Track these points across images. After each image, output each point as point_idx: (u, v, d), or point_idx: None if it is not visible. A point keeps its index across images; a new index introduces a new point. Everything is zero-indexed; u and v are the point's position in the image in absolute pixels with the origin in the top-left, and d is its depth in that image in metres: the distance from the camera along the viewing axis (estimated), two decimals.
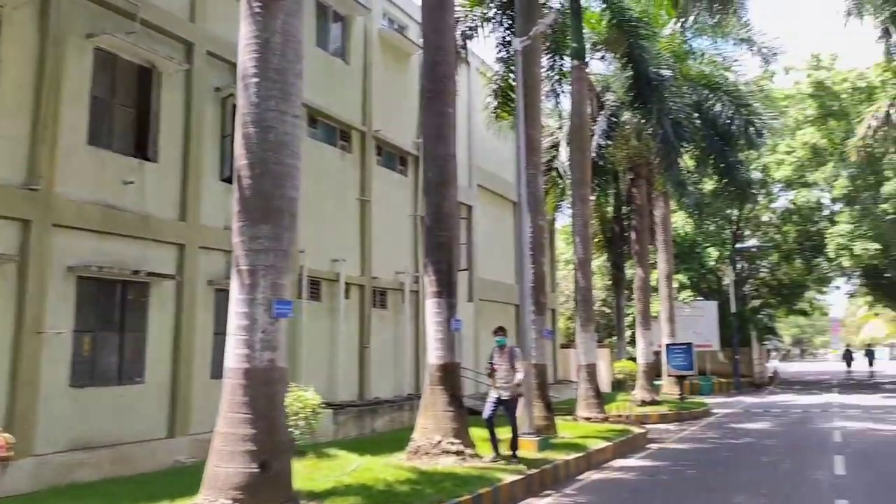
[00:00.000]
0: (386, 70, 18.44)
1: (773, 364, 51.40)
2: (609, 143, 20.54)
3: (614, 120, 20.67)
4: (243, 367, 7.00)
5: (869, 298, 41.36)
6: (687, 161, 25.96)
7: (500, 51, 18.09)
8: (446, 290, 10.94)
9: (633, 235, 22.22)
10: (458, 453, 10.16)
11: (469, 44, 18.50)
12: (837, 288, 43.10)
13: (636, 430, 15.76)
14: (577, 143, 17.33)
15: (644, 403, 21.17)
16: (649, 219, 23.67)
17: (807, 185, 30.48)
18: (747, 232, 41.39)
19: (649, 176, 21.96)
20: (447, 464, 10.04)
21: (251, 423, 6.91)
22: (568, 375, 29.51)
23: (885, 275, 32.57)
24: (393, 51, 18.72)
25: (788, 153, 30.25)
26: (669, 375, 24.35)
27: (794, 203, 32.43)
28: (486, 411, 10.80)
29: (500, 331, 11.10)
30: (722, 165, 21.60)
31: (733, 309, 34.80)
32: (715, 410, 23.54)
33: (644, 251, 22.22)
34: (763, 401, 28.48)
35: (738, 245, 38.36)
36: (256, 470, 6.79)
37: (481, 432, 13.56)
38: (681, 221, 31.64)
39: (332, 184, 16.13)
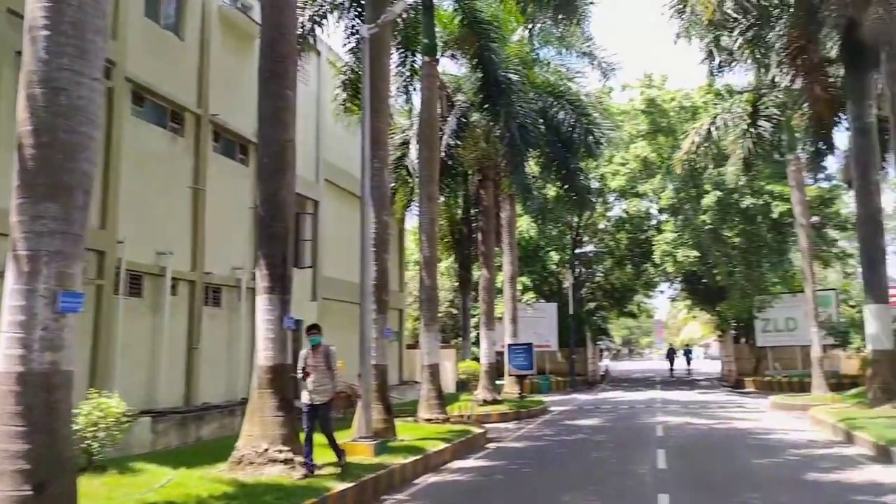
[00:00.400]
0: (227, 51, 17.12)
1: (605, 363, 54.67)
2: (458, 143, 20.51)
3: (464, 121, 20.67)
4: (17, 371, 5.84)
5: (688, 302, 44.98)
6: (532, 167, 26.66)
7: (349, 40, 17.43)
8: (279, 286, 10.11)
9: (479, 237, 22.38)
10: (286, 462, 9.36)
11: (319, 32, 17.63)
12: (662, 292, 46.72)
13: (476, 429, 15.68)
14: (425, 141, 17.03)
15: (486, 403, 21.31)
16: (496, 221, 23.98)
17: (638, 195, 32.49)
18: (586, 238, 43.55)
19: (496, 178, 22.22)
20: (273, 474, 9.21)
21: (25, 438, 5.78)
22: (414, 376, 29.29)
23: (703, 280, 35.45)
24: (235, 31, 17.44)
25: (623, 164, 32.09)
26: (510, 375, 24.80)
27: (627, 212, 34.50)
28: (304, 422, 9.86)
29: (314, 329, 10.14)
30: (564, 172, 22.30)
31: (571, 311, 36.34)
32: (552, 408, 24.26)
33: (490, 252, 22.44)
34: (595, 398, 29.90)
35: (577, 250, 40.21)
36: (30, 492, 5.68)
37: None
38: (525, 225, 32.57)
39: (159, 168, 14.64)
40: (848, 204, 31.67)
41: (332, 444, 9.89)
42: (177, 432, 13.78)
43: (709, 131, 23.75)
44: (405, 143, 21.43)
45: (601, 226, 40.93)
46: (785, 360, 34.79)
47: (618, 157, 32.90)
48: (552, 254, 33.45)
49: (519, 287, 33.50)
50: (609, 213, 41.50)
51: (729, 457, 12.80)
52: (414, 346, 30.71)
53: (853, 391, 21.69)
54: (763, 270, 31.16)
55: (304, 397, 9.91)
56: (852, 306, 32.96)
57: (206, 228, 15.85)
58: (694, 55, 74.64)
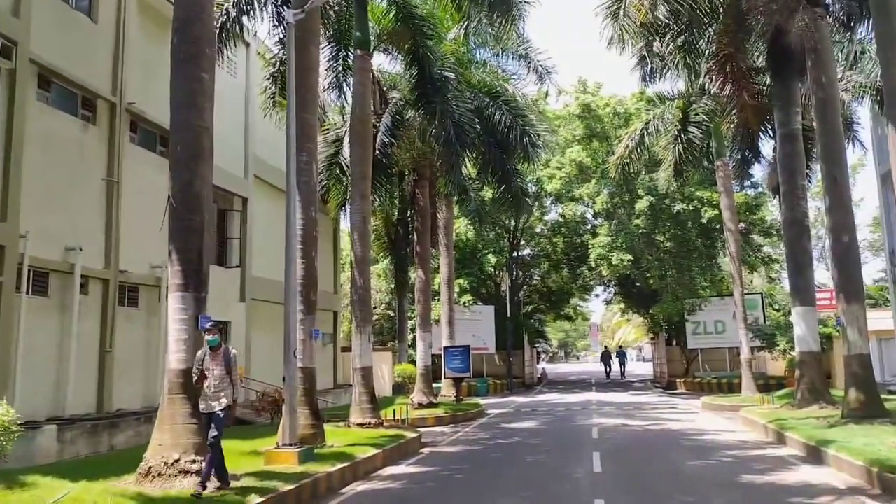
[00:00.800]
0: (146, 36, 16.09)
1: (543, 366, 54.96)
2: (393, 141, 19.93)
3: (399, 118, 20.11)
4: None
5: (622, 306, 45.59)
6: (469, 168, 26.35)
7: (277, 30, 16.63)
8: (194, 282, 9.34)
9: (415, 237, 21.87)
10: (199, 473, 8.57)
11: (247, 22, 16.77)
12: (597, 296, 47.21)
13: (410, 434, 15.12)
14: (358, 136, 16.41)
15: (421, 406, 20.77)
16: (432, 221, 23.50)
17: (574, 199, 32.62)
18: (523, 242, 43.62)
19: (433, 178, 21.75)
20: (184, 486, 8.43)
21: None
22: (349, 380, 28.51)
23: (636, 284, 35.88)
24: (154, 16, 16.41)
25: (559, 168, 32.15)
26: (447, 378, 24.33)
27: (563, 216, 34.62)
28: (209, 434, 8.54)
29: (214, 329, 8.85)
30: (500, 173, 22.02)
31: (509, 314, 36.19)
32: (489, 411, 23.90)
33: (426, 253, 21.94)
34: (532, 400, 29.74)
35: (514, 253, 40.19)
36: None
37: (241, 445, 12.04)
38: (463, 227, 32.25)
39: (68, 158, 13.56)
40: (772, 211, 32.65)
41: (220, 461, 8.62)
42: (87, 441, 12.74)
43: (641, 136, 23.91)
44: (338, 141, 20.70)
45: (538, 229, 41.01)
46: (714, 362, 35.54)
47: (554, 162, 32.94)
48: (489, 256, 33.23)
49: (456, 289, 33.14)
50: (546, 218, 41.73)
51: (663, 458, 12.61)
52: (349, 348, 29.94)
53: (780, 392, 22.10)
54: (693, 274, 31.69)
55: (200, 403, 8.84)
56: (777, 310, 33.92)
57: (122, 224, 14.80)
58: (627, 62, 76.05)
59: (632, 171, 25.31)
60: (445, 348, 23.91)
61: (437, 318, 28.98)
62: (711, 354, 35.43)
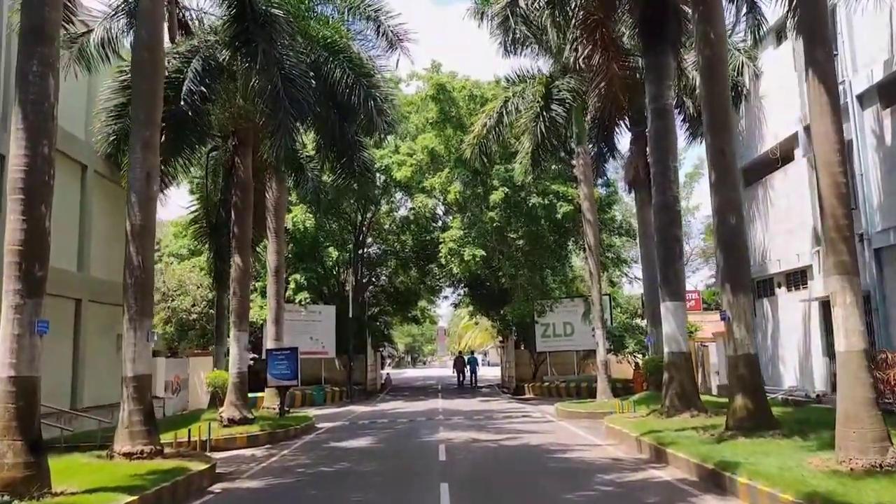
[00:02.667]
0: None
1: (387, 371, 51.52)
2: (206, 92, 15.55)
3: (213, 64, 15.75)
4: None
5: (470, 308, 43.26)
6: (306, 142, 22.38)
7: None
8: None
9: (234, 216, 17.52)
10: None
11: None
12: (445, 297, 44.61)
13: (198, 466, 10.96)
14: (143, 67, 12.02)
15: (233, 423, 16.46)
16: (258, 200, 19.24)
17: (424, 191, 29.56)
18: (370, 239, 40.04)
19: (257, 145, 17.49)
20: None
21: None
22: (155, 390, 23.33)
23: (487, 284, 33.50)
24: None
25: (409, 155, 28.97)
26: (268, 386, 20.05)
27: (413, 209, 31.34)
28: None
29: None
30: (341, 144, 18.26)
31: (351, 314, 32.42)
32: (320, 424, 20.04)
33: (245, 236, 17.64)
34: (373, 409, 26.19)
35: (361, 251, 36.54)
36: None
37: None
38: (301, 215, 28.05)
39: None
40: (628, 205, 31.52)
41: None
42: None
43: (500, 115, 21.26)
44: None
45: (386, 226, 37.62)
46: (561, 366, 33.92)
47: (404, 148, 29.72)
48: (331, 250, 29.27)
49: (291, 285, 28.90)
50: (394, 213, 38.47)
51: (529, 490, 9.51)
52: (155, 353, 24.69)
53: (636, 397, 20.17)
54: (545, 274, 29.74)
55: None
56: (622, 312, 32.83)
57: None
58: (483, 46, 75.07)
59: (488, 153, 22.55)
60: (269, 351, 19.67)
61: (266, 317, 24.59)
62: (559, 358, 33.81)
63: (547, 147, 23.21)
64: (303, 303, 28.83)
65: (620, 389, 28.39)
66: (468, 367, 40.65)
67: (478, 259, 26.48)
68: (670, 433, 12.09)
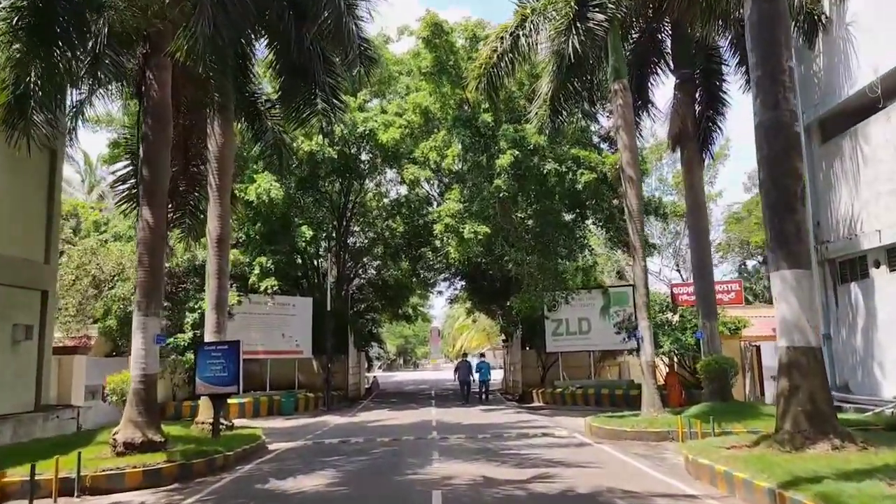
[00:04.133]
0: None
1: (374, 374, 45.86)
2: None
3: None
4: None
5: (468, 304, 37.72)
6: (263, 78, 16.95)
7: None
8: None
9: (141, 151, 11.96)
10: None
11: None
12: (441, 293, 39.08)
13: None
14: None
15: (130, 449, 10.95)
16: (186, 139, 13.77)
17: (415, 161, 24.13)
18: (356, 229, 34.58)
19: (175, 51, 12.02)
20: None
21: None
22: (68, 397, 17.81)
23: (489, 272, 28.08)
24: None
25: (398, 115, 23.59)
26: (198, 393, 14.41)
27: (403, 181, 25.74)
28: None
29: None
30: (296, 58, 12.77)
31: (329, 307, 26.90)
32: (275, 445, 14.56)
33: (158, 180, 12.04)
34: (351, 421, 20.67)
35: (346, 240, 31.17)
36: None
37: None
38: (267, 185, 22.53)
39: None
40: (666, 173, 26.13)
41: None
42: None
43: (516, 38, 15.83)
44: None
45: (374, 210, 32.15)
46: (573, 369, 28.46)
47: (393, 107, 24.31)
48: (304, 229, 23.77)
49: (256, 270, 23.35)
50: (381, 193, 33.05)
51: None
52: (72, 349, 19.14)
53: (692, 411, 14.77)
54: (560, 259, 24.30)
55: None
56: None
57: None
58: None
59: (496, 89, 17.05)
60: (198, 347, 14.04)
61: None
62: (571, 360, 28.37)
63: (570, 91, 17.88)
64: (269, 291, 23.27)
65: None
66: (476, 373, 28.29)
67: (480, 237, 21.00)
68: (839, 485, 6.65)
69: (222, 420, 14.85)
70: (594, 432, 14.45)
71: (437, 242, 24.66)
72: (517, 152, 20.92)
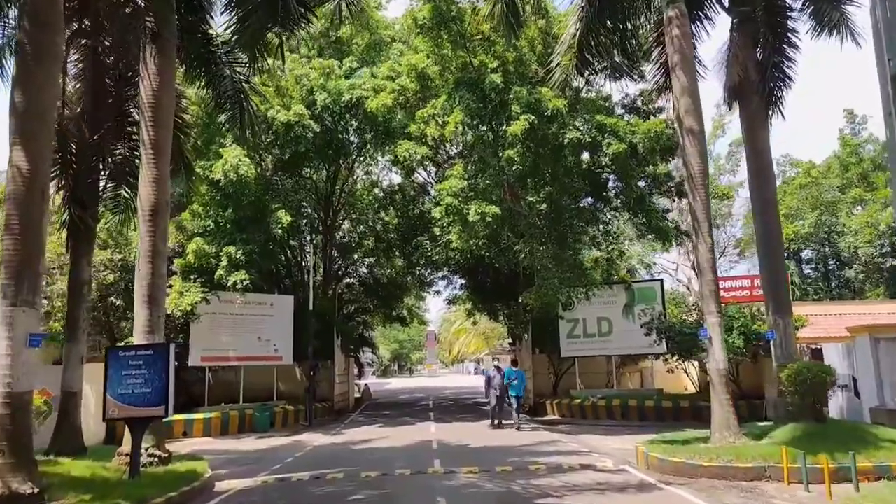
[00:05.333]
0: None
1: (366, 381, 41.71)
2: None
3: None
4: None
5: (468, 305, 33.68)
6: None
7: None
8: None
9: (14, 66, 8.11)
10: None
11: None
12: (438, 293, 35.08)
13: None
14: None
15: None
16: (122, 85, 9.87)
17: (410, 136, 20.24)
18: (346, 224, 30.71)
19: None
20: None
21: None
22: None
23: (495, 265, 24.14)
24: None
25: (390, 78, 19.74)
26: (108, 418, 10.24)
27: (397, 159, 21.73)
28: None
29: None
30: None
31: (312, 306, 22.97)
32: (222, 484, 10.65)
33: (38, 107, 8.10)
34: (333, 442, 16.69)
35: (330, 234, 27.35)
36: None
37: None
38: (234, 159, 18.57)
39: None
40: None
41: None
42: None
43: None
44: None
45: (364, 197, 28.29)
46: (590, 375, 24.60)
47: (384, 70, 20.42)
48: (281, 214, 19.81)
49: (223, 262, 19.39)
50: (372, 181, 29.28)
51: None
52: None
53: (779, 435, 10.89)
54: (578, 247, 20.46)
55: None
56: (674, 306, 23.49)
57: None
58: None
59: (521, 14, 13.20)
60: (110, 353, 9.97)
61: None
62: (586, 366, 24.51)
63: (601, 38, 14.11)
64: (238, 286, 19.28)
65: (682, 413, 19.20)
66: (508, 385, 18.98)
67: (489, 220, 17.07)
68: None
69: (153, 450, 10.88)
70: (654, 465, 10.52)
71: (437, 230, 20.72)
72: (532, 117, 17.05)
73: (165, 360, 9.51)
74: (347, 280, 32.78)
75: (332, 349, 25.01)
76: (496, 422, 18.89)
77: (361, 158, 26.14)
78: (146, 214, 11.49)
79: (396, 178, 30.72)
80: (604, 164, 18.44)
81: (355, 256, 31.27)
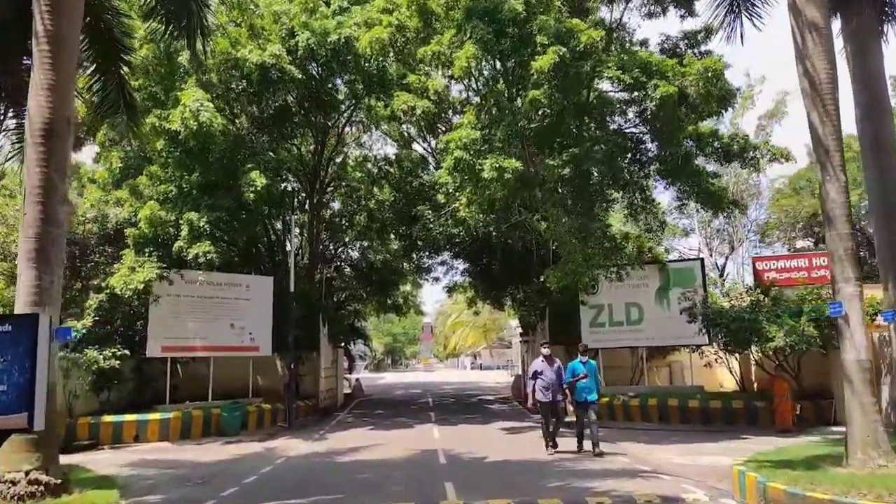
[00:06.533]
0: None
1: (358, 375, 38.02)
2: None
3: None
4: None
5: (469, 294, 30.11)
6: None
7: None
8: None
9: None
10: None
11: None
12: (437, 279, 31.50)
13: None
14: None
15: None
16: None
17: (408, 88, 16.66)
18: (337, 205, 27.19)
19: None
20: None
21: None
22: None
23: (507, 242, 20.57)
24: None
25: (387, 11, 16.11)
26: None
27: (393, 114, 18.00)
28: None
29: None
30: None
31: (293, 287, 19.41)
32: None
33: None
34: (313, 451, 13.10)
35: (317, 211, 23.86)
36: None
37: None
38: (194, 103, 14.95)
39: None
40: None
41: None
42: None
43: None
44: None
45: (354, 168, 24.77)
46: (612, 371, 21.04)
47: (379, 1, 16.78)
48: (254, 174, 16.18)
49: (183, 231, 15.81)
50: (365, 156, 25.82)
51: None
52: None
53: None
54: (606, 217, 16.97)
55: None
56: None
57: None
58: None
59: None
60: None
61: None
62: (608, 358, 20.94)
63: None
64: (201, 261, 15.63)
65: (736, 416, 15.77)
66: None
67: (508, 177, 13.49)
68: None
69: (36, 474, 7.29)
70: (777, 499, 6.96)
71: (441, 197, 17.17)
72: (563, 49, 13.47)
73: (32, 341, 5.91)
74: (338, 264, 29.24)
75: (318, 339, 21.40)
76: (551, 443, 12.11)
77: (354, 118, 22.51)
78: (37, 135, 7.87)
79: (392, 150, 27.25)
80: (645, 114, 14.87)
81: (346, 239, 27.71)
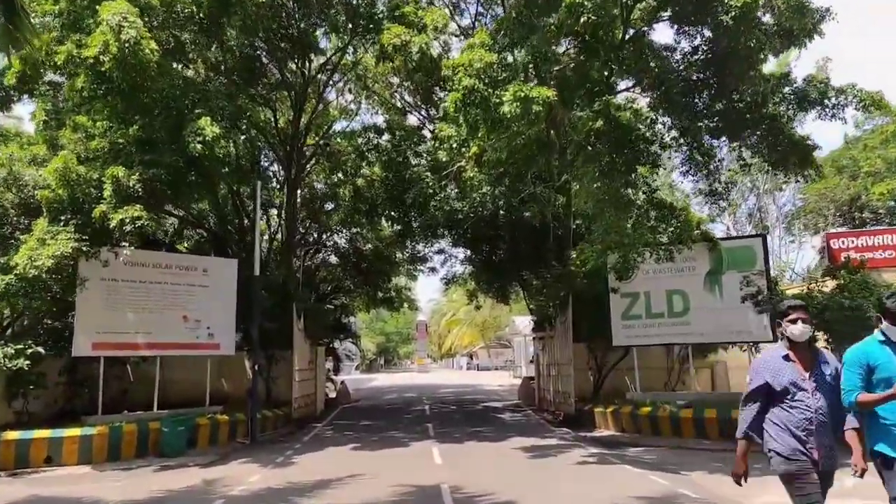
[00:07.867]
0: None
1: (344, 377, 33.95)
2: None
3: None
4: None
5: (470, 286, 26.27)
6: None
7: None
8: None
9: None
10: None
11: None
12: (434, 270, 27.65)
13: None
14: None
15: None
16: None
17: (404, 20, 12.84)
18: (319, 185, 23.35)
19: None
20: None
21: None
22: None
23: (524, 215, 16.76)
24: None
25: None
26: None
27: (384, 51, 14.11)
28: None
29: None
30: None
31: (257, 270, 15.54)
32: None
33: None
34: (267, 487, 9.14)
35: (296, 186, 20.08)
36: None
37: None
38: (120, 17, 11.10)
39: None
40: None
41: None
42: None
43: None
44: None
45: (344, 146, 20.93)
46: (643, 372, 17.20)
47: None
48: (204, 122, 12.28)
49: (106, 190, 11.93)
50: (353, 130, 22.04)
51: None
52: None
53: None
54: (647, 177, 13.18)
55: None
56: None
57: None
58: None
59: None
60: None
61: None
62: (642, 358, 17.07)
63: None
64: (128, 227, 11.67)
65: None
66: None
67: (539, 109, 9.64)
68: None
69: None
70: None
71: (442, 154, 13.33)
72: None
73: None
74: (322, 252, 25.37)
75: (291, 335, 17.46)
76: None
77: (338, 70, 18.69)
78: None
79: (379, 118, 23.39)
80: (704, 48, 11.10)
81: (331, 222, 23.82)
